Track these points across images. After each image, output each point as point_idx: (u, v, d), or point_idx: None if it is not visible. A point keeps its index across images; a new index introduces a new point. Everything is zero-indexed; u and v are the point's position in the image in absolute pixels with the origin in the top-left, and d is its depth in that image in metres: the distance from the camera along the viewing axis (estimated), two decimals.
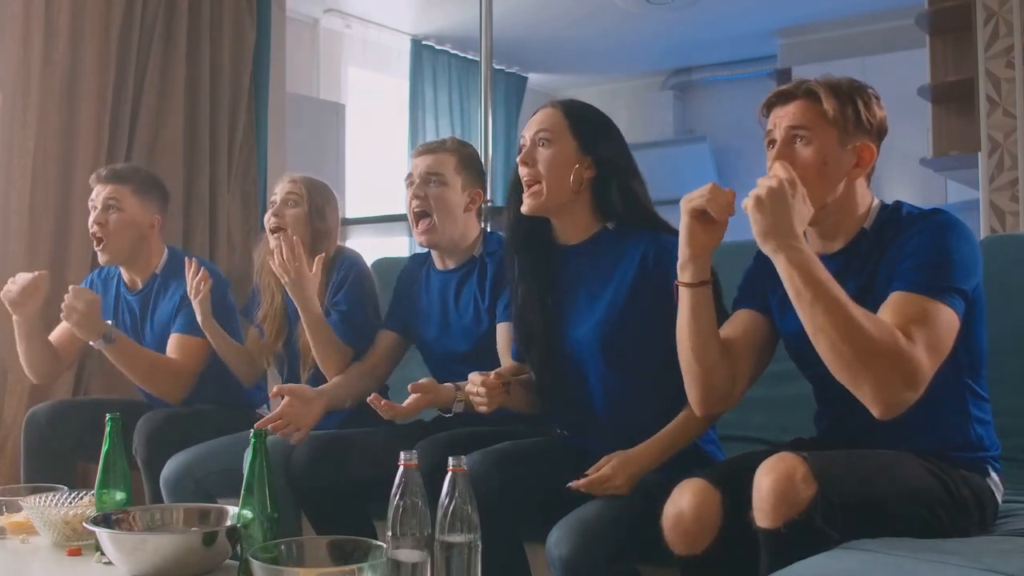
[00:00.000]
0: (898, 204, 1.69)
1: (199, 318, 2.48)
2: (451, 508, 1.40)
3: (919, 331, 1.47)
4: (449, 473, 1.42)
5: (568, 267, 1.98)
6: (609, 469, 1.77)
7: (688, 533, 1.52)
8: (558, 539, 1.67)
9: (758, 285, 1.76)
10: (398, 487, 1.43)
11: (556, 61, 7.10)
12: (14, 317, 2.60)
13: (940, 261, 1.55)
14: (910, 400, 1.46)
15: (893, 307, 1.52)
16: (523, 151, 1.94)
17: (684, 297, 1.66)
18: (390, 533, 1.42)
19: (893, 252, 1.61)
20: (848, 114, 1.64)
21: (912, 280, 1.54)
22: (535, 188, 1.92)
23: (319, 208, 2.50)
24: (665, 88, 7.52)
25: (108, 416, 1.87)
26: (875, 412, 1.47)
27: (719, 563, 1.52)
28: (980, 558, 1.33)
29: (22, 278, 2.55)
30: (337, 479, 2.08)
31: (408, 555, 1.41)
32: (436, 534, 1.41)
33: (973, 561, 1.32)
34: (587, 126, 1.94)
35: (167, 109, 3.44)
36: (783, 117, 1.67)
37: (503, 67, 6.97)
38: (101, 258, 2.69)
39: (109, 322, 2.51)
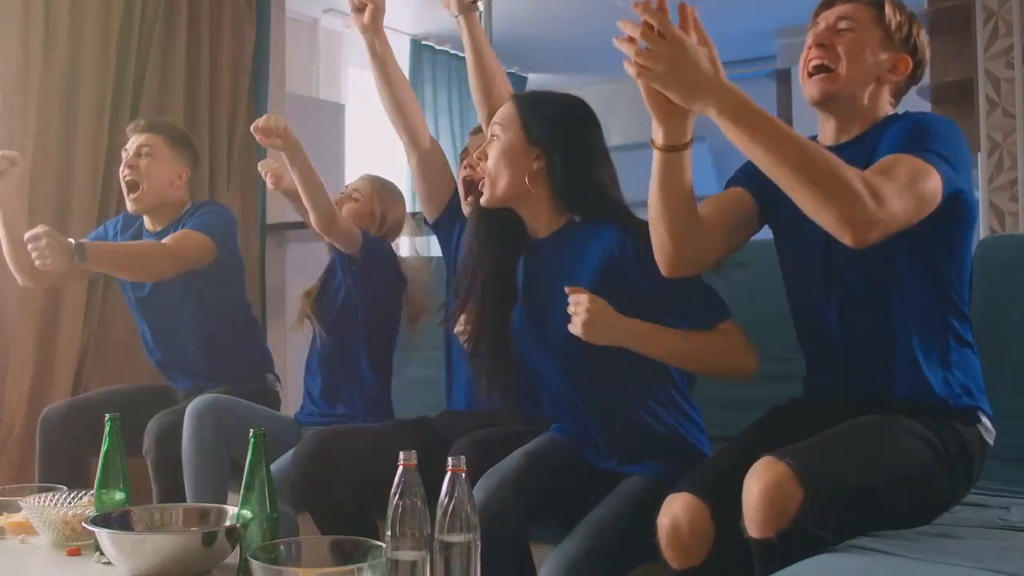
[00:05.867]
0: (907, 112, 1.70)
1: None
2: (450, 508, 1.39)
3: (890, 168, 1.46)
4: (448, 473, 1.41)
5: (535, 260, 1.94)
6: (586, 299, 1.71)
7: (683, 547, 1.50)
8: None
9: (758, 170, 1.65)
10: (397, 487, 1.43)
11: (556, 61, 7.09)
12: None
13: (920, 131, 1.55)
14: (879, 220, 1.39)
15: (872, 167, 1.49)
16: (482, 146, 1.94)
17: (655, 160, 1.59)
18: (389, 533, 1.42)
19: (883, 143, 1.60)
20: (903, 28, 1.68)
21: (891, 146, 1.53)
22: (484, 181, 1.91)
23: (383, 211, 2.78)
24: None
25: (108, 416, 1.87)
26: (846, 238, 1.40)
27: (714, 572, 1.51)
28: (980, 558, 1.34)
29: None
30: (339, 476, 2.07)
31: (407, 555, 1.41)
32: (435, 534, 1.41)
33: (974, 561, 1.32)
34: (535, 116, 1.90)
35: (167, 110, 3.45)
36: (834, 11, 1.70)
37: (503, 67, 6.97)
38: (131, 207, 2.74)
39: (70, 240, 2.45)
